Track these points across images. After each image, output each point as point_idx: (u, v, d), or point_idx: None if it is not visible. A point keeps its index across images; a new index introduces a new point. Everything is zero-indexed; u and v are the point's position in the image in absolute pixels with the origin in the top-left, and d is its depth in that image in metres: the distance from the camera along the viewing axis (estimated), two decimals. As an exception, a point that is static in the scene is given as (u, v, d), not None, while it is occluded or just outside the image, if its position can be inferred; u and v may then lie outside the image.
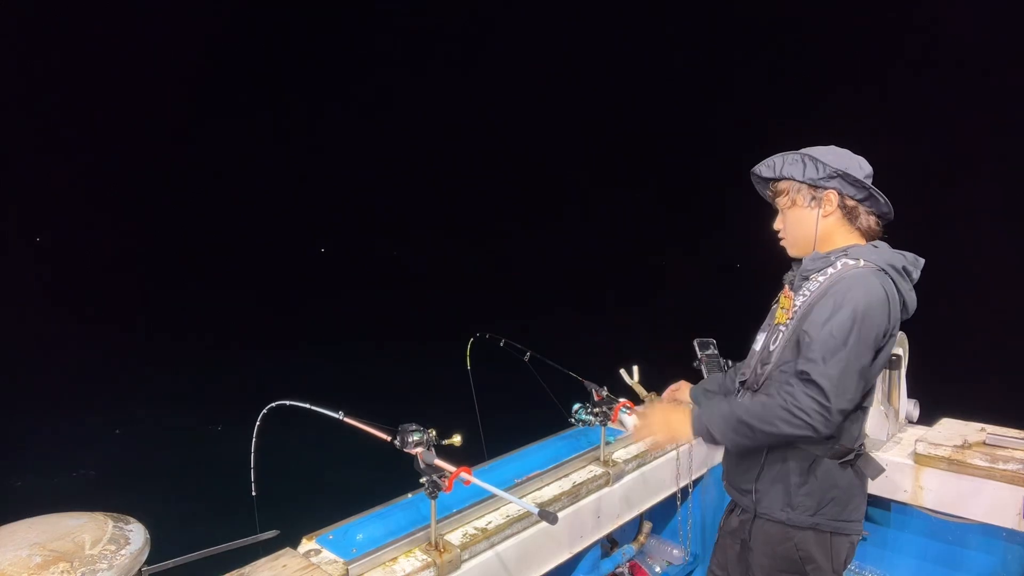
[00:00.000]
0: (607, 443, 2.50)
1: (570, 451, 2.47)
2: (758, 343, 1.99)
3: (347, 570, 1.72)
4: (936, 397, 3.11)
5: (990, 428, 2.72)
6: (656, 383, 2.93)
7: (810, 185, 1.86)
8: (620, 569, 2.75)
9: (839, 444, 1.80)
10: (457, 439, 1.84)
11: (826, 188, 1.84)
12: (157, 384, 9.60)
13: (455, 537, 1.94)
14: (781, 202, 1.93)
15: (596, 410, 2.38)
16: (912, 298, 1.83)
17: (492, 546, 1.98)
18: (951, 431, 2.74)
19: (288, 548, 1.78)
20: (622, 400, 2.46)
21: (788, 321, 1.83)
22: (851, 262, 1.79)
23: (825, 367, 1.64)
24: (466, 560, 1.90)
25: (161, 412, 8.69)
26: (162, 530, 1.67)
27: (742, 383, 1.97)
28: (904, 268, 1.82)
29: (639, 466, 2.58)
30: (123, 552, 1.40)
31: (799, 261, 1.97)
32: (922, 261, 1.88)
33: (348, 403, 1.89)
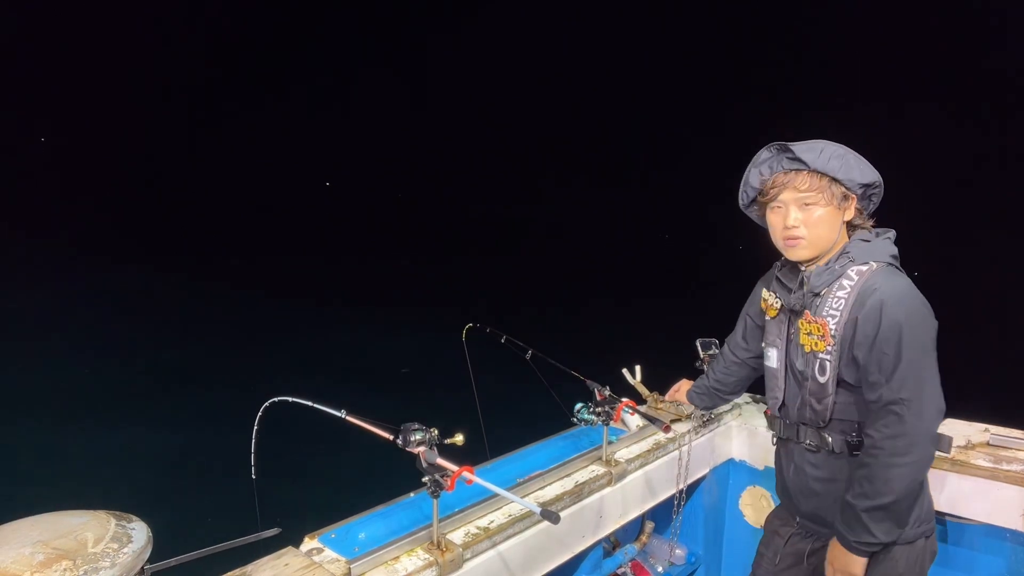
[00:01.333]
0: (609, 443, 2.50)
1: (572, 451, 2.46)
2: (772, 360, 1.94)
3: (349, 569, 1.72)
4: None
5: (994, 428, 2.72)
6: (657, 383, 2.94)
7: (846, 187, 1.75)
8: (622, 569, 2.74)
9: None
10: (459, 438, 1.84)
11: (853, 193, 1.76)
12: (159, 382, 9.62)
13: (457, 536, 1.93)
14: (811, 197, 1.76)
15: (598, 409, 2.38)
16: None
17: (494, 545, 1.98)
18: (954, 431, 2.73)
19: (290, 547, 1.78)
20: (624, 400, 2.46)
21: (829, 348, 1.75)
22: (863, 268, 1.74)
23: (907, 400, 1.63)
24: (468, 559, 1.90)
25: (163, 410, 8.70)
26: (164, 528, 1.67)
27: (801, 422, 1.88)
28: (894, 254, 1.81)
29: (641, 466, 2.57)
30: (126, 550, 1.40)
31: (781, 277, 1.91)
32: (893, 233, 1.85)
33: (348, 402, 1.89)
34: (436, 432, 1.80)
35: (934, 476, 2.59)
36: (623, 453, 2.57)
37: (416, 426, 1.79)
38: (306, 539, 1.83)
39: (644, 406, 2.86)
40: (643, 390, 2.92)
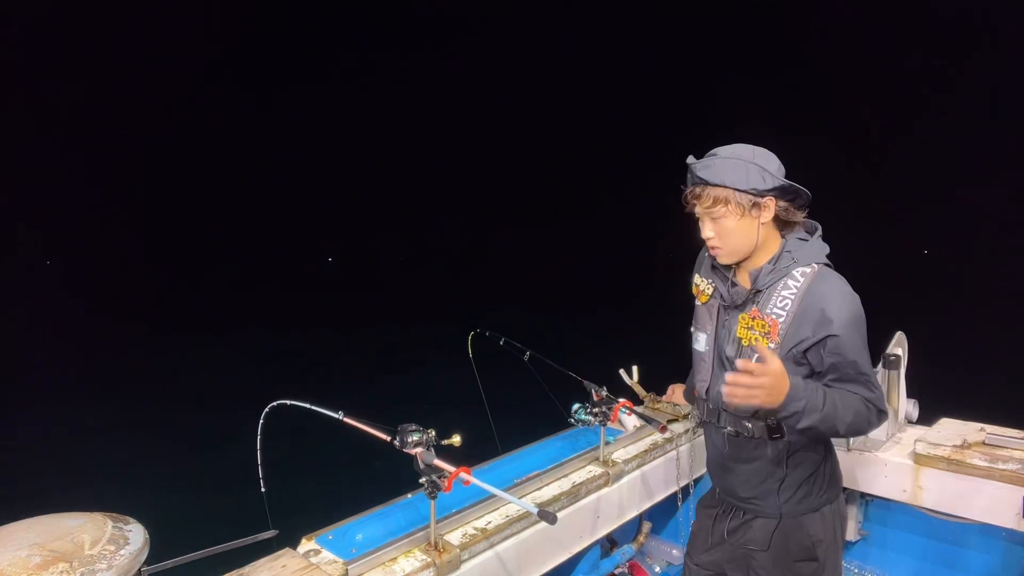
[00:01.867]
0: (607, 443, 2.50)
1: (569, 451, 2.47)
2: (700, 343, 2.01)
3: (347, 570, 1.72)
4: (935, 397, 3.11)
5: (990, 428, 2.72)
6: (654, 384, 2.94)
7: (752, 194, 1.76)
8: (620, 569, 2.75)
9: None
10: (456, 439, 1.84)
11: (767, 196, 1.78)
12: (157, 383, 9.61)
13: (454, 537, 1.94)
14: (718, 211, 1.78)
15: (596, 410, 2.38)
16: None
17: (492, 546, 1.98)
18: (950, 431, 2.74)
19: (288, 548, 1.78)
20: (622, 400, 2.46)
21: (772, 345, 1.79)
22: (806, 269, 1.81)
23: (879, 391, 1.77)
24: (466, 560, 1.90)
25: (161, 411, 8.70)
26: (161, 530, 1.67)
27: (723, 408, 1.94)
28: (827, 252, 1.87)
29: (639, 466, 2.58)
30: (122, 552, 1.39)
31: (720, 267, 1.94)
32: (819, 227, 1.90)
33: (347, 402, 1.89)
34: (433, 433, 1.80)
35: (930, 475, 2.60)
36: (620, 453, 2.57)
37: (413, 427, 1.79)
38: (303, 540, 1.83)
39: (641, 406, 2.87)
40: (640, 390, 2.92)
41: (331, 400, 1.88)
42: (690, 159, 1.85)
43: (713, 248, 1.87)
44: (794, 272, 1.81)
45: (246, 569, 1.67)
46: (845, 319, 1.75)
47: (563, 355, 2.47)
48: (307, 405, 1.89)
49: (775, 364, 1.63)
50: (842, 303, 1.76)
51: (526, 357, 2.54)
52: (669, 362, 2.83)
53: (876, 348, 2.82)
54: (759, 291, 1.84)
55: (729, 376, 1.63)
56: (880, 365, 2.79)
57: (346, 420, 1.84)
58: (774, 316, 1.81)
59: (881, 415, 1.78)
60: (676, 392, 2.77)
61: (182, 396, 9.22)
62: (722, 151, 1.82)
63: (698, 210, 1.84)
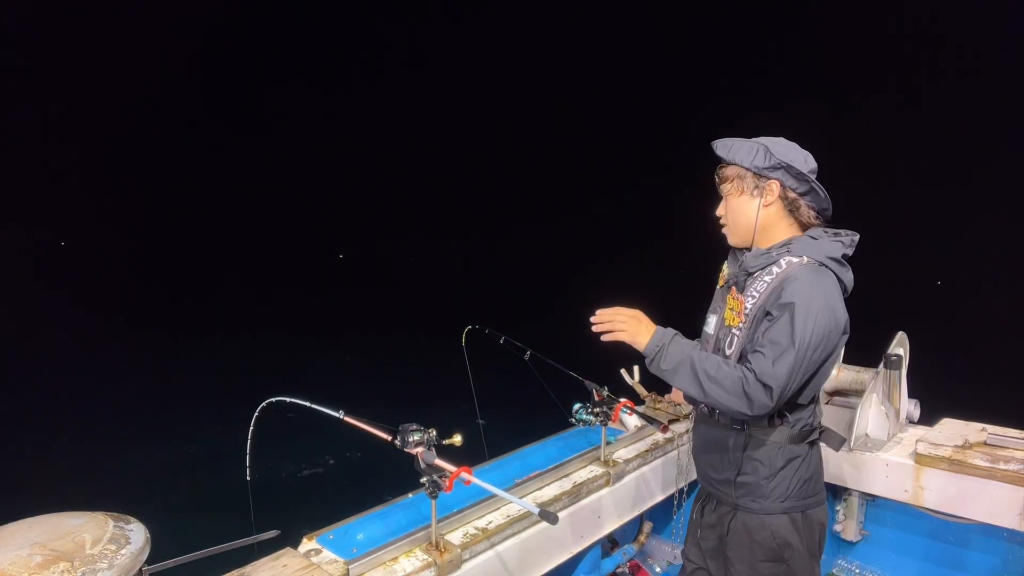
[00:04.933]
0: (608, 443, 2.50)
1: (571, 451, 2.47)
2: (710, 325, 2.03)
3: (348, 570, 1.72)
4: (937, 397, 3.11)
5: (991, 428, 2.72)
6: (656, 383, 2.94)
7: (755, 173, 1.86)
8: (621, 569, 2.75)
9: (803, 426, 1.87)
10: (458, 439, 1.84)
11: (769, 178, 1.85)
12: (158, 383, 9.61)
13: (456, 537, 1.94)
14: (726, 188, 1.92)
15: (597, 410, 2.38)
16: (849, 278, 1.88)
17: (493, 546, 1.98)
18: (952, 431, 2.74)
19: (289, 548, 1.79)
20: (623, 400, 2.46)
21: (741, 325, 1.85)
22: (795, 260, 1.82)
23: (774, 370, 1.69)
24: (467, 560, 1.90)
25: (163, 410, 8.70)
26: (163, 530, 1.67)
27: None
28: (844, 256, 1.86)
29: (640, 466, 2.58)
30: (124, 552, 1.40)
31: (737, 252, 1.99)
32: (857, 236, 1.90)
33: (348, 402, 1.89)
34: (434, 433, 1.80)
35: (932, 475, 2.60)
36: (621, 453, 2.57)
37: (414, 427, 1.79)
38: (304, 540, 1.83)
39: (642, 406, 2.87)
40: (641, 390, 2.92)
41: (333, 399, 1.88)
42: (714, 141, 1.95)
43: (721, 227, 1.98)
44: (781, 261, 1.83)
45: (247, 568, 1.67)
46: (792, 306, 1.72)
47: (563, 355, 2.47)
48: (307, 403, 1.88)
49: (629, 310, 1.90)
50: (799, 292, 1.73)
51: (526, 356, 2.54)
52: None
53: (877, 348, 2.83)
54: (750, 274, 1.88)
55: (597, 312, 1.90)
56: (882, 365, 2.79)
57: (347, 419, 1.84)
58: (747, 297, 1.85)
59: (754, 396, 1.69)
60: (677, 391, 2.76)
61: (183, 395, 9.22)
62: (734, 138, 1.92)
63: (720, 189, 1.96)
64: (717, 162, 1.94)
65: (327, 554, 1.77)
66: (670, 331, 1.87)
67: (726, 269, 2.06)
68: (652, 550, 3.03)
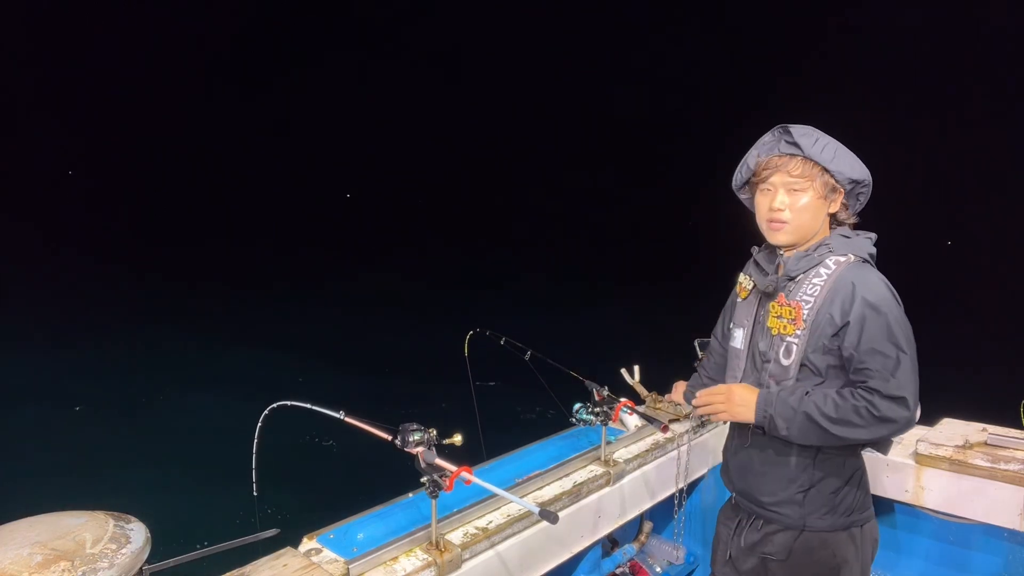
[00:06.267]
0: (608, 443, 2.50)
1: (571, 451, 2.47)
2: (737, 340, 1.96)
3: (348, 569, 1.72)
4: (937, 397, 3.11)
5: (992, 428, 2.72)
6: (656, 383, 2.94)
7: (835, 179, 1.78)
8: (621, 569, 2.75)
9: None
10: (458, 439, 1.84)
11: (841, 188, 1.80)
12: (158, 383, 9.61)
13: (456, 536, 1.94)
14: (799, 183, 1.77)
15: (597, 410, 2.38)
16: None
17: (493, 546, 1.98)
18: (952, 431, 2.74)
19: (289, 547, 1.78)
20: (623, 400, 2.46)
21: (798, 332, 1.77)
22: (840, 258, 1.78)
23: (897, 379, 1.64)
24: (467, 559, 1.90)
25: (163, 411, 8.70)
26: (163, 529, 1.68)
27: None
28: (872, 253, 1.84)
29: (640, 466, 2.58)
30: (124, 551, 1.40)
31: (759, 260, 1.93)
32: (875, 236, 1.88)
33: (348, 402, 1.89)
34: (435, 432, 1.80)
35: (932, 475, 2.60)
36: (622, 453, 2.57)
37: (415, 426, 1.79)
38: (304, 539, 1.83)
39: (642, 406, 2.86)
40: (641, 390, 2.92)
41: (333, 399, 1.88)
42: (784, 126, 1.82)
43: (780, 222, 1.82)
44: (827, 260, 1.79)
45: (247, 568, 1.67)
46: (866, 308, 1.68)
47: (563, 355, 2.47)
48: (308, 405, 1.88)
49: (718, 389, 1.87)
50: (867, 291, 1.69)
51: (527, 356, 2.54)
52: (671, 362, 2.83)
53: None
54: (791, 278, 1.82)
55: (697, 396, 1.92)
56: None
57: (347, 420, 1.84)
58: (801, 301, 1.78)
59: (893, 415, 1.62)
60: (678, 389, 2.76)
61: (184, 395, 9.22)
62: (812, 128, 1.81)
63: (776, 179, 1.81)
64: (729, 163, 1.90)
65: (327, 553, 1.77)
66: (771, 394, 1.76)
67: (746, 280, 1.97)
68: (652, 550, 3.02)
